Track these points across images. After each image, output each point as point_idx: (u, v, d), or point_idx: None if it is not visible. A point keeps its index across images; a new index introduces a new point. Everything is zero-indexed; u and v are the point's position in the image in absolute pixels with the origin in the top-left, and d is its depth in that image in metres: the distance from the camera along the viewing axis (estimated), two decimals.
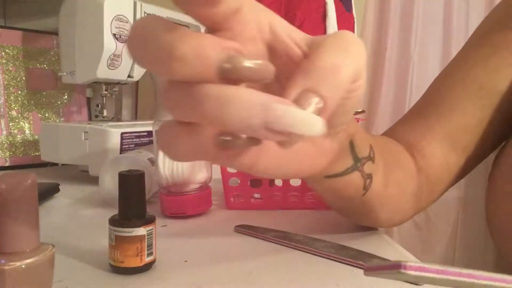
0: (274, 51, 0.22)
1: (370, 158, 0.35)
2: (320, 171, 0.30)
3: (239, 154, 0.21)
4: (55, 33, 0.82)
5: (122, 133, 0.66)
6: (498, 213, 0.44)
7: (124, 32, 0.68)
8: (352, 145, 0.33)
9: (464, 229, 1.43)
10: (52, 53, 0.87)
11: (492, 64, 0.46)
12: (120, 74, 0.71)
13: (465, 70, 0.48)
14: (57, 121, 0.87)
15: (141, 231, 0.34)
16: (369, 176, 0.36)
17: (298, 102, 0.19)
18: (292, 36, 0.22)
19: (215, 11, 0.18)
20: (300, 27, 1.00)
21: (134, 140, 0.69)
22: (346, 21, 1.15)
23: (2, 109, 0.80)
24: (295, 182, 0.55)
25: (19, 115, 0.82)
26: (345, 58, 0.20)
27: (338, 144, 0.29)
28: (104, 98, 0.76)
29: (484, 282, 0.19)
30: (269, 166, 0.24)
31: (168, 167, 0.50)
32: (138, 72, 0.74)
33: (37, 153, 0.82)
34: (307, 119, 0.17)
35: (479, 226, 1.37)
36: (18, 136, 0.81)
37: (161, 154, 0.51)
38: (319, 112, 0.19)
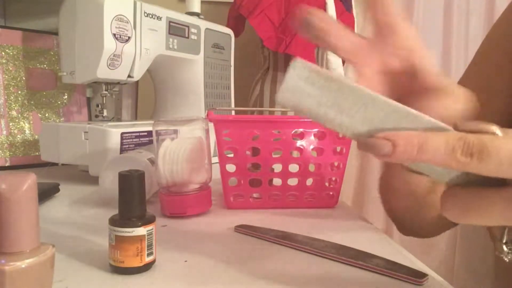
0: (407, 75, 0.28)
1: None
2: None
3: None
4: (55, 33, 0.82)
5: (122, 133, 0.66)
6: None
7: (124, 32, 0.68)
8: None
9: (464, 229, 1.43)
10: (52, 53, 0.87)
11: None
12: (120, 74, 0.71)
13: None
14: (57, 121, 0.87)
15: (141, 231, 0.34)
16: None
17: None
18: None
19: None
20: None
21: (134, 140, 0.69)
22: (346, 21, 1.15)
23: (2, 109, 0.80)
24: (293, 182, 0.55)
25: (19, 115, 0.82)
26: None
27: None
28: (104, 98, 0.76)
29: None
30: None
31: (168, 167, 0.50)
32: (138, 72, 0.74)
33: (37, 153, 0.82)
34: None
35: (479, 226, 1.37)
36: (18, 136, 0.81)
37: (161, 154, 0.51)
38: None
